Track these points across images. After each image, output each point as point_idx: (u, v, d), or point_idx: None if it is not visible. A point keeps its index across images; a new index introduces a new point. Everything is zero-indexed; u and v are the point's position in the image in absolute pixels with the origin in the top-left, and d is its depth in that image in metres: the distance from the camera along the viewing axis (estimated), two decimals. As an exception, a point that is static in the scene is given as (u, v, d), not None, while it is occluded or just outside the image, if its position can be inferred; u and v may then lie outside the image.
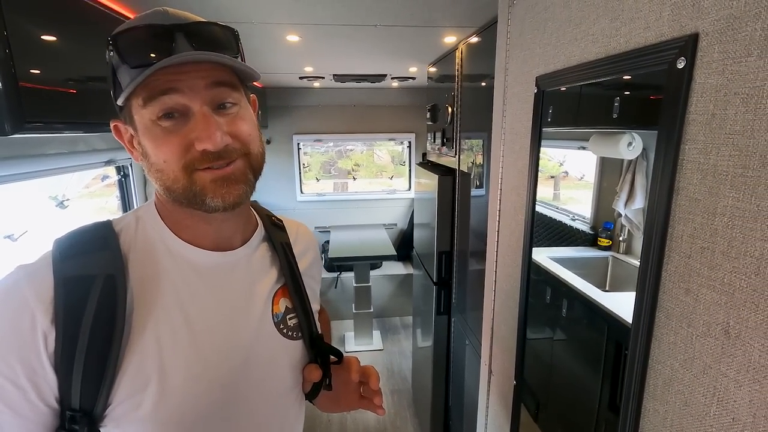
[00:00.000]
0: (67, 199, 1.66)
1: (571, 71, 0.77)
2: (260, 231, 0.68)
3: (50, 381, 0.49)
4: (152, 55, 0.49)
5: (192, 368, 0.54)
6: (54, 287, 0.49)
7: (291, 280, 0.68)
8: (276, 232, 0.70)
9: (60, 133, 1.13)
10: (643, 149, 0.74)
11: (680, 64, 0.51)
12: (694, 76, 0.50)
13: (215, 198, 0.52)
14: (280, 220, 0.75)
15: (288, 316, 0.66)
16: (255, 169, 0.57)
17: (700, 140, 0.49)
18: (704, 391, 0.50)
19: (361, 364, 0.72)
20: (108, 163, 1.60)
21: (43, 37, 0.88)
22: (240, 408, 0.59)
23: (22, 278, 0.50)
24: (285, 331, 0.65)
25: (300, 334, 0.67)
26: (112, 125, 0.57)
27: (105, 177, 1.74)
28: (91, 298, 0.50)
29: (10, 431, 0.48)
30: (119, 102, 0.52)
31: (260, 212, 0.71)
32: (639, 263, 0.59)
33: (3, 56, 0.74)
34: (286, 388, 0.65)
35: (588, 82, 0.73)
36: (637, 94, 0.68)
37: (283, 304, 0.66)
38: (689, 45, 0.50)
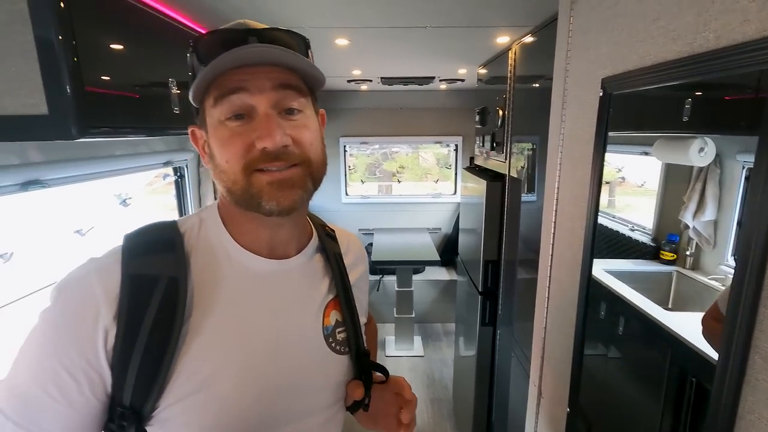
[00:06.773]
0: (130, 197, 1.77)
1: (646, 72, 0.69)
2: (315, 240, 0.67)
3: (104, 376, 0.50)
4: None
5: (242, 377, 0.54)
6: (121, 283, 0.51)
7: (342, 292, 0.67)
8: (329, 243, 0.70)
9: (123, 137, 1.20)
10: (717, 156, 0.67)
11: (791, 63, 0.43)
12: (810, 76, 0.42)
13: (270, 201, 0.53)
14: (333, 230, 0.74)
15: (337, 330, 0.65)
16: (314, 177, 0.57)
17: (817, 153, 0.41)
18: (815, 454, 0.42)
19: (402, 375, 0.69)
20: (166, 164, 1.68)
21: (111, 45, 0.92)
22: (285, 419, 0.58)
23: (92, 271, 0.52)
24: (333, 344, 0.64)
25: (347, 349, 0.66)
26: (189, 130, 0.60)
27: (166, 175, 1.83)
28: (154, 299, 0.51)
29: (63, 421, 0.50)
30: (193, 100, 0.55)
31: (315, 221, 0.71)
32: (722, 285, 0.51)
33: (72, 64, 0.79)
34: (329, 402, 0.64)
35: (667, 84, 0.65)
36: (717, 94, 0.60)
37: (333, 316, 0.65)
38: (804, 39, 0.42)
